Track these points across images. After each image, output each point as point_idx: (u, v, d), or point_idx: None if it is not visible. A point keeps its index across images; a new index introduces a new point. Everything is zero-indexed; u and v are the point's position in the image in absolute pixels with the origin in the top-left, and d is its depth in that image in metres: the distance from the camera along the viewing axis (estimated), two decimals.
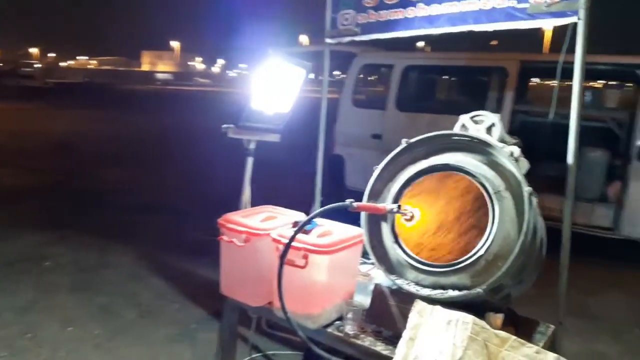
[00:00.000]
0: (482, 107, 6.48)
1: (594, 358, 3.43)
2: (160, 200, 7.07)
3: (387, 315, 1.87)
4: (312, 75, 2.22)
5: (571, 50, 2.25)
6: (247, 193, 2.37)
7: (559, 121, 6.78)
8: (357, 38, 2.46)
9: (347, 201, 1.68)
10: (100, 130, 14.76)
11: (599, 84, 6.42)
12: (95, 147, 11.36)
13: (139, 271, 4.47)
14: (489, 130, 2.04)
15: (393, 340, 1.84)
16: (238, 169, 2.52)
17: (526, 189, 1.71)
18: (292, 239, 1.65)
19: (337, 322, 1.96)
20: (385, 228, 1.93)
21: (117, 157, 10.25)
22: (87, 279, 4.19)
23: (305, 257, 1.81)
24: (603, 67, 5.65)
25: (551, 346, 1.91)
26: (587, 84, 9.00)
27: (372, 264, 2.22)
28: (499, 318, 1.77)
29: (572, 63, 2.25)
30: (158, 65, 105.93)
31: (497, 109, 5.81)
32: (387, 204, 1.79)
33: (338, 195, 3.45)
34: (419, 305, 1.72)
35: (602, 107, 6.22)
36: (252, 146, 2.30)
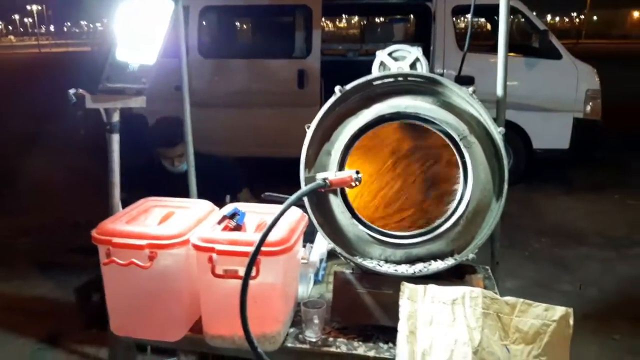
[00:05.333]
0: (292, 49, 6.25)
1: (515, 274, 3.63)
2: None
3: (357, 308, 1.51)
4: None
5: None
6: (117, 188, 1.63)
7: (365, 59, 6.95)
8: None
9: (319, 178, 1.22)
10: None
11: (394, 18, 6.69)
12: None
13: None
14: (413, 66, 1.75)
15: (368, 334, 1.51)
16: None
17: (499, 130, 1.49)
18: (261, 243, 1.13)
19: (292, 330, 1.53)
20: (335, 202, 1.52)
21: None
22: None
23: (256, 263, 1.30)
24: (395, 1, 5.91)
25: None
26: (379, 19, 9.49)
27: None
28: (480, 279, 1.57)
29: None
30: None
31: (306, 50, 5.67)
32: (351, 173, 1.38)
33: (144, 162, 2.83)
34: (407, 289, 1.40)
35: (395, 41, 6.56)
36: (116, 118, 1.56)
